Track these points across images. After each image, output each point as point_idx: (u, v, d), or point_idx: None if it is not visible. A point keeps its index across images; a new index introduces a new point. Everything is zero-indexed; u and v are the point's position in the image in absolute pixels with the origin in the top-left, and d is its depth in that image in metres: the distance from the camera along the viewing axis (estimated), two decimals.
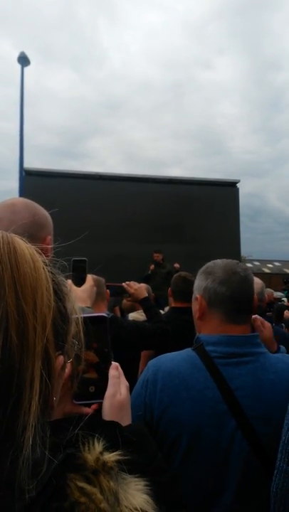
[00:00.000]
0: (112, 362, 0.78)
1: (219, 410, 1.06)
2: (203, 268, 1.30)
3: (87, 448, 0.48)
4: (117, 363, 0.78)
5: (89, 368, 0.75)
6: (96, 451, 0.48)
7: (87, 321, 0.73)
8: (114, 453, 0.49)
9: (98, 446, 0.48)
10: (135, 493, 0.47)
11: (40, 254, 0.54)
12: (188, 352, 1.20)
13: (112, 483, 0.45)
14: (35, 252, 0.53)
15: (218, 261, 1.28)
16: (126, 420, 0.74)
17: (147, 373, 1.16)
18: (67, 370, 0.62)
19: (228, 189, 8.54)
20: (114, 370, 0.77)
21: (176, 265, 7.33)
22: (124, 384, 0.77)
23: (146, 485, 0.48)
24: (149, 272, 7.37)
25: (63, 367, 0.57)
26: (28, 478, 0.41)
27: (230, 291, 1.19)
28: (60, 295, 0.56)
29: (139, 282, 2.53)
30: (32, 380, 0.46)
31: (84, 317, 0.74)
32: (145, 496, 0.47)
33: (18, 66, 10.61)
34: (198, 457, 1.04)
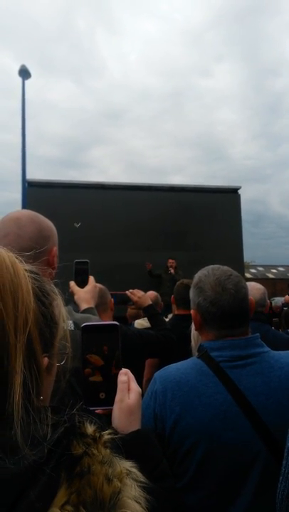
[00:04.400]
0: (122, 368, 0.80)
1: (232, 413, 1.07)
2: (196, 280, 1.31)
3: (82, 425, 0.52)
4: (127, 369, 0.80)
5: (95, 371, 0.78)
6: (91, 427, 0.52)
7: (98, 328, 0.79)
8: (106, 431, 0.53)
9: (91, 425, 0.52)
10: (124, 462, 0.52)
11: (22, 262, 0.59)
12: (193, 360, 1.21)
13: (108, 451, 0.50)
14: (16, 260, 0.58)
15: (210, 273, 1.29)
16: (135, 425, 0.75)
17: (155, 385, 1.17)
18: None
19: (229, 196, 8.55)
20: (123, 376, 0.79)
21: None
22: (134, 389, 0.79)
23: (132, 465, 0.52)
24: (169, 272, 7.48)
25: (49, 368, 0.62)
26: (34, 446, 0.46)
27: (220, 311, 1.21)
28: (45, 301, 0.61)
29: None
30: (14, 375, 0.51)
31: (96, 325, 0.80)
32: (131, 463, 0.52)
33: (19, 79, 10.75)
34: (215, 462, 1.04)
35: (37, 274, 0.62)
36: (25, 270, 0.59)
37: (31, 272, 0.60)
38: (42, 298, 0.60)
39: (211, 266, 1.33)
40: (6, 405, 0.49)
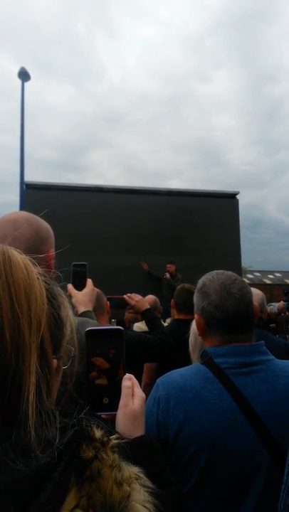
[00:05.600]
0: (126, 373, 0.80)
1: (237, 421, 1.05)
2: (200, 285, 1.30)
3: (90, 428, 0.52)
4: (131, 374, 0.80)
5: (101, 374, 0.78)
6: (99, 432, 0.52)
7: (103, 332, 0.80)
8: (114, 436, 0.53)
9: (98, 430, 0.52)
10: (131, 467, 0.52)
11: (35, 265, 0.60)
12: (197, 366, 1.19)
13: (116, 456, 0.50)
14: (29, 262, 0.59)
15: (215, 278, 1.27)
16: (139, 430, 0.75)
17: (158, 391, 1.15)
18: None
19: (228, 200, 8.57)
20: (127, 381, 0.79)
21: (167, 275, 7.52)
22: (138, 395, 0.79)
23: (139, 471, 0.52)
24: (165, 277, 7.51)
25: (57, 369, 0.62)
26: (44, 448, 0.47)
27: (225, 316, 1.19)
28: (54, 303, 0.62)
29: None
30: (29, 374, 0.52)
31: (101, 329, 0.82)
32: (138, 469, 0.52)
33: (19, 81, 10.77)
34: (218, 470, 1.02)
35: (45, 276, 0.63)
36: (37, 273, 0.60)
37: (41, 274, 0.61)
38: (52, 300, 0.61)
39: (216, 271, 1.31)
40: (20, 405, 0.50)
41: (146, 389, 1.27)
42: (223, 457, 1.03)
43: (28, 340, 0.52)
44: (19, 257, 0.59)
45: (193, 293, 2.86)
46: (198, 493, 1.03)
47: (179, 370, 1.21)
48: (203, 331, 1.26)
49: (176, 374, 1.18)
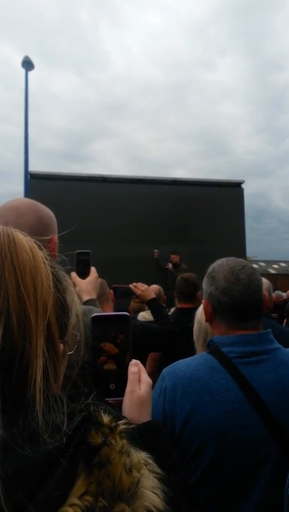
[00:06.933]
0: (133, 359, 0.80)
1: (244, 411, 1.04)
2: (209, 270, 1.28)
3: (98, 414, 0.51)
4: (137, 360, 0.80)
5: (109, 359, 0.78)
6: (107, 417, 0.51)
7: (109, 318, 0.81)
8: (122, 421, 0.52)
9: (106, 415, 0.52)
10: (140, 452, 0.51)
11: (40, 247, 0.59)
12: (203, 356, 1.17)
13: (125, 441, 0.50)
14: (34, 244, 0.58)
15: (224, 263, 1.26)
16: (145, 416, 0.75)
17: (164, 381, 1.14)
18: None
19: (233, 190, 8.52)
20: (134, 367, 0.79)
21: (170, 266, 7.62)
22: (145, 381, 0.78)
23: (147, 456, 0.51)
24: (167, 268, 7.60)
25: (63, 354, 0.61)
26: (52, 433, 0.46)
27: (232, 301, 1.17)
28: (59, 287, 0.61)
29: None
30: (36, 357, 0.51)
31: (107, 315, 0.82)
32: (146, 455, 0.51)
33: (22, 70, 10.69)
34: (226, 460, 1.02)
35: (50, 260, 0.62)
36: (42, 256, 0.59)
37: (46, 257, 0.60)
38: (57, 283, 0.60)
39: (227, 257, 1.29)
40: (27, 388, 0.49)
41: (150, 378, 1.27)
42: (231, 447, 1.02)
43: (35, 323, 0.52)
44: (24, 239, 0.58)
45: (191, 282, 2.88)
46: (205, 482, 1.03)
47: (185, 360, 1.20)
48: (210, 317, 1.24)
49: (183, 364, 1.17)
